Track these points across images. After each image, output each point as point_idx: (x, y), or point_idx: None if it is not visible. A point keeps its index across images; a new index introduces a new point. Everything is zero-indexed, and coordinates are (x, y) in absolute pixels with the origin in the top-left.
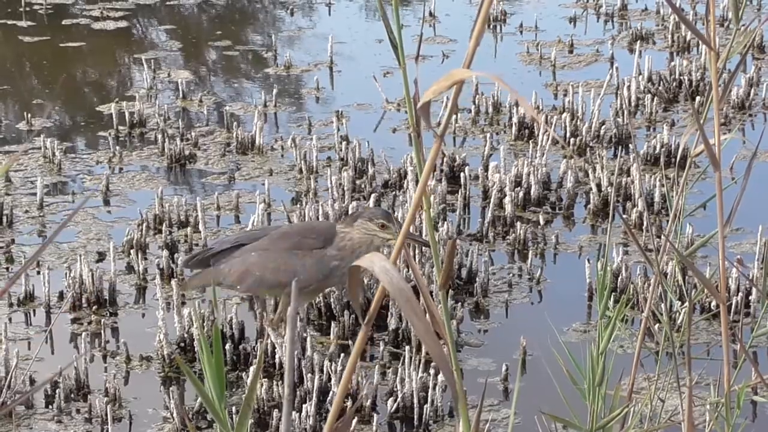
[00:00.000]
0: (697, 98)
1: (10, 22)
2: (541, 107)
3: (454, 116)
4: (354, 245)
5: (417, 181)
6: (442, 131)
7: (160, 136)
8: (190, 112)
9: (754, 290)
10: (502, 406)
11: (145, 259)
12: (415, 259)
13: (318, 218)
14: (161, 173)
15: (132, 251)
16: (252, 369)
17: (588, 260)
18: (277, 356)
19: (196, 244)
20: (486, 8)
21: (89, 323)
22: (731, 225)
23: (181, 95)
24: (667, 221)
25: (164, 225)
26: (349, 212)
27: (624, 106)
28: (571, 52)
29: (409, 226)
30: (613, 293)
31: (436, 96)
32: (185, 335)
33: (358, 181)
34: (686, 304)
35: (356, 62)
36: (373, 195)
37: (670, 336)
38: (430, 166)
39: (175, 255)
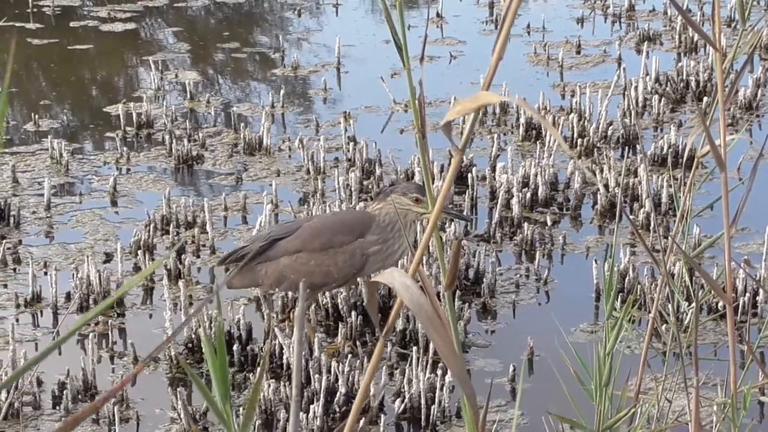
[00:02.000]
0: (705, 99)
1: (18, 24)
2: (548, 108)
3: (461, 117)
4: (391, 219)
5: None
6: (462, 145)
7: (167, 137)
8: (198, 113)
9: (761, 291)
10: (510, 407)
11: (152, 259)
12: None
13: None
14: (168, 174)
15: (139, 252)
16: (258, 369)
17: (595, 261)
18: (284, 357)
19: (203, 245)
20: (508, 25)
21: (96, 324)
22: (737, 225)
23: (188, 96)
24: (675, 222)
25: (171, 226)
26: (376, 193)
27: (631, 107)
28: (578, 52)
29: (444, 201)
30: (621, 294)
31: (459, 116)
32: (192, 336)
33: (365, 182)
34: (693, 304)
35: (364, 63)
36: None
37: (677, 336)
38: (452, 178)
39: (183, 256)
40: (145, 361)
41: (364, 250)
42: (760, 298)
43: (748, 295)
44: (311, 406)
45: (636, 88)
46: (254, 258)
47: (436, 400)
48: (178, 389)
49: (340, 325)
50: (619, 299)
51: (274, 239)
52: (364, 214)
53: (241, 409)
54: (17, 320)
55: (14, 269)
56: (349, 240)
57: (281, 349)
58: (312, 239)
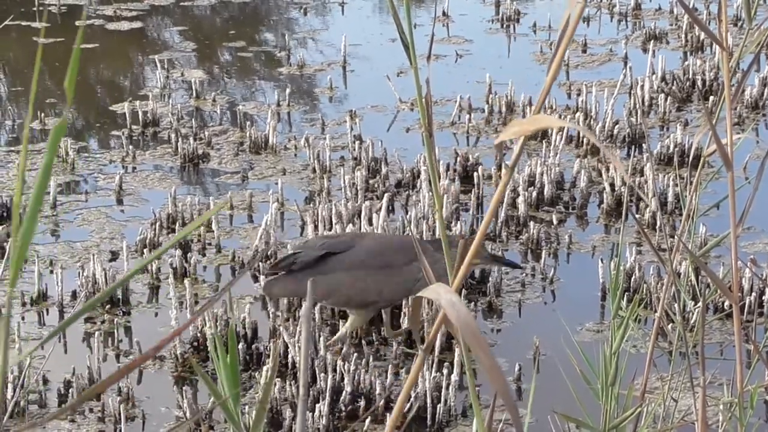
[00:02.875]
0: (711, 98)
1: (24, 23)
2: (554, 107)
3: (468, 116)
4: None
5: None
6: (513, 164)
7: (173, 136)
8: (204, 111)
9: (767, 290)
10: (516, 406)
11: (158, 258)
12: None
13: (332, 217)
14: (174, 172)
15: (145, 250)
16: (265, 369)
17: (601, 260)
18: (289, 356)
19: (209, 244)
20: (563, 50)
21: (102, 323)
22: (743, 224)
23: (194, 95)
24: (681, 221)
25: (177, 224)
26: (438, 237)
27: (637, 106)
28: (584, 51)
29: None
30: (627, 293)
31: (516, 137)
32: (198, 335)
33: (371, 181)
34: (699, 304)
35: (370, 62)
36: (386, 195)
37: (683, 336)
38: (498, 198)
39: (188, 254)
40: (151, 352)
41: (416, 275)
42: (766, 297)
43: (754, 294)
44: (317, 405)
45: (642, 87)
46: (303, 269)
47: (443, 400)
48: (184, 388)
49: (343, 324)
50: (625, 298)
51: (328, 253)
52: (411, 242)
53: (247, 408)
54: (23, 318)
55: (20, 267)
56: (406, 262)
57: (286, 347)
58: (372, 257)
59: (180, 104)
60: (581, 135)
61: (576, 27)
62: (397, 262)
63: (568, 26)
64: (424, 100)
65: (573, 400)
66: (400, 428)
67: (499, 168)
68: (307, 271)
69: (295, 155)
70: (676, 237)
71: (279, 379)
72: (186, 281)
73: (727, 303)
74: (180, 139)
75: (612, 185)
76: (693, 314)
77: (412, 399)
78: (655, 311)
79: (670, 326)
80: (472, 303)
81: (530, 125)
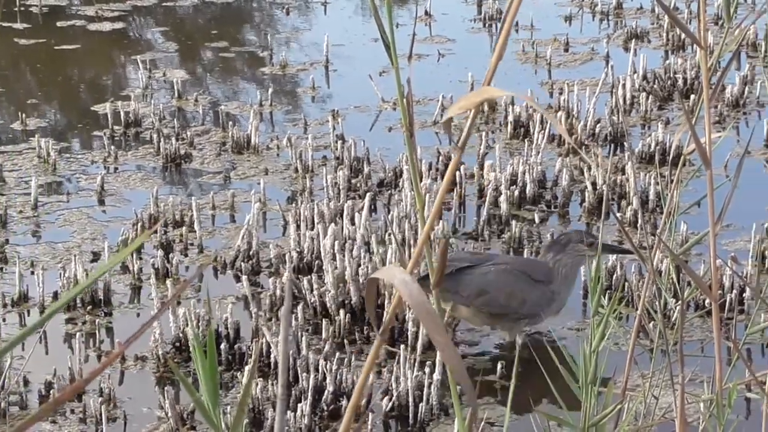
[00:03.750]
0: (692, 97)
1: (5, 24)
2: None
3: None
4: (568, 270)
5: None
6: (462, 142)
7: (155, 136)
8: (186, 111)
9: (747, 288)
10: (498, 405)
11: (140, 258)
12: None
13: (314, 217)
14: (156, 173)
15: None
16: (247, 370)
17: None
18: (271, 356)
19: (191, 244)
20: (508, 25)
21: (84, 323)
22: (722, 222)
23: (176, 95)
24: (662, 219)
25: (159, 225)
26: (549, 244)
27: (619, 105)
28: (566, 50)
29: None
30: (608, 291)
31: (463, 111)
32: (180, 335)
33: (353, 180)
34: (683, 302)
35: (352, 62)
36: (368, 194)
37: (664, 333)
38: (450, 177)
39: (170, 255)
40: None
41: (551, 294)
42: (746, 294)
43: (735, 291)
44: (299, 405)
45: (624, 85)
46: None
47: (424, 398)
48: (166, 388)
49: (326, 324)
50: (606, 296)
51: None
52: (547, 265)
53: (229, 407)
54: (4, 320)
55: (1, 269)
56: (544, 282)
57: (269, 347)
58: (519, 267)
59: (162, 104)
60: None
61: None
62: (537, 277)
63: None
64: (405, 99)
65: (556, 399)
66: (357, 420)
67: (481, 167)
68: (455, 275)
69: (278, 155)
70: (656, 235)
71: (261, 378)
72: (168, 282)
73: (707, 300)
74: (162, 140)
75: (594, 184)
76: (674, 312)
77: (393, 396)
78: (637, 309)
79: (651, 324)
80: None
81: (476, 97)
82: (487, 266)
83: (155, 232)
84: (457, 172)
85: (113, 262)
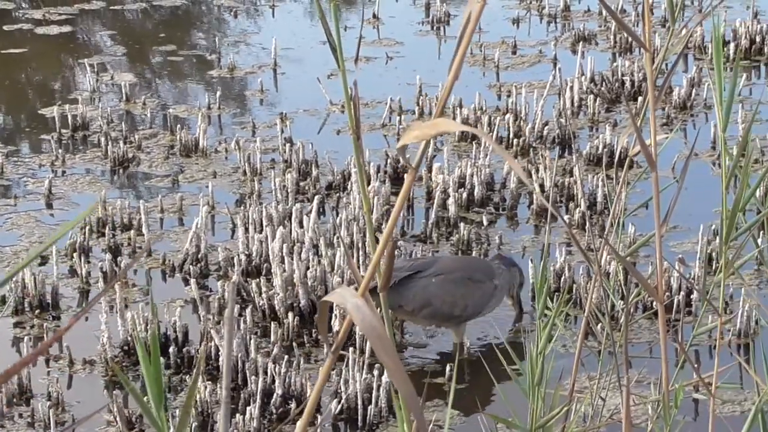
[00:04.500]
0: (639, 99)
1: None
2: (484, 108)
3: (398, 117)
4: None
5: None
6: (417, 163)
7: (103, 139)
8: (134, 114)
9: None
10: (447, 407)
11: (88, 262)
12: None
13: (262, 220)
14: (104, 176)
15: (75, 254)
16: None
17: (531, 260)
18: (220, 359)
19: (140, 247)
20: (464, 47)
21: (32, 327)
22: (669, 224)
23: (124, 98)
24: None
25: (107, 228)
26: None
27: (567, 107)
28: (514, 53)
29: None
30: (557, 293)
31: (416, 141)
32: (128, 338)
33: (301, 183)
34: (625, 303)
35: (301, 64)
36: (316, 197)
37: (610, 335)
38: (403, 198)
39: (119, 258)
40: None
41: (492, 290)
42: (694, 296)
43: (682, 293)
44: (248, 408)
45: (571, 88)
46: (393, 286)
47: (373, 401)
48: (114, 392)
49: (275, 327)
50: (555, 299)
51: (417, 270)
52: (487, 262)
53: (178, 411)
54: None
55: None
56: (485, 280)
57: (217, 350)
58: (458, 273)
59: (110, 108)
60: (511, 136)
61: (476, 26)
62: (478, 277)
63: (469, 24)
64: (351, 102)
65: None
66: (313, 425)
67: (429, 170)
68: (398, 288)
69: (226, 158)
70: (603, 237)
71: (210, 382)
72: (116, 285)
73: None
74: (110, 143)
75: (542, 186)
76: (621, 314)
77: (342, 399)
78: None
79: (599, 326)
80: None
81: (430, 129)
82: (427, 277)
83: (95, 209)
84: (406, 175)
85: (41, 250)
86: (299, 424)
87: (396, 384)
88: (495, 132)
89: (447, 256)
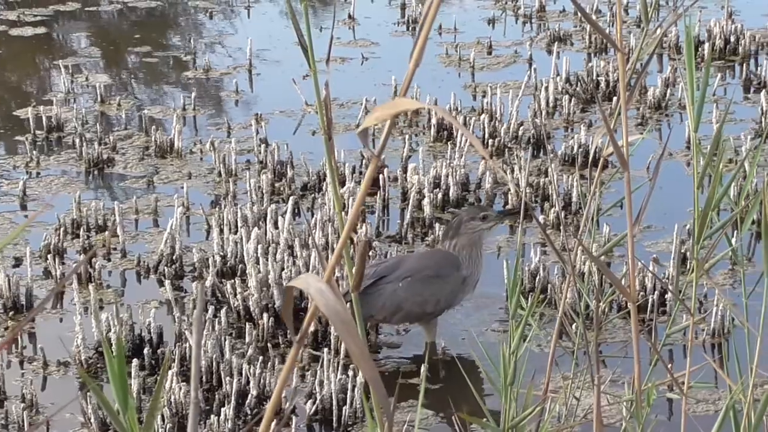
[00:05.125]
0: (614, 99)
1: None
2: (459, 109)
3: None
4: (469, 251)
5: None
6: (379, 151)
7: (78, 141)
8: (109, 116)
9: (668, 289)
10: (421, 407)
11: (63, 263)
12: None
13: (237, 221)
14: (79, 177)
15: (49, 256)
16: (162, 373)
17: (506, 260)
18: None
19: (114, 249)
20: (425, 33)
21: (6, 329)
22: (642, 224)
23: (99, 99)
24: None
25: (82, 230)
26: (444, 231)
27: (542, 107)
28: (489, 53)
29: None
30: (531, 293)
31: (377, 122)
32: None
33: (277, 184)
34: (598, 303)
35: (276, 65)
36: (291, 198)
37: (584, 335)
38: (367, 184)
39: (93, 259)
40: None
41: (460, 280)
42: (668, 296)
43: (656, 293)
44: (222, 409)
45: (547, 88)
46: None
47: (348, 401)
48: (89, 393)
49: (249, 328)
50: (528, 298)
51: (381, 276)
52: (450, 253)
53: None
54: None
55: None
56: (452, 272)
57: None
58: (421, 269)
59: (85, 109)
60: (486, 135)
61: (437, 11)
62: (445, 272)
63: (430, 10)
64: (323, 103)
65: (480, 400)
66: (280, 422)
67: (405, 171)
68: (365, 297)
69: (201, 159)
70: (577, 237)
71: (185, 383)
72: (90, 287)
73: None
74: (85, 144)
75: (517, 186)
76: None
77: (317, 400)
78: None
79: (573, 326)
80: None
81: (390, 109)
82: (393, 282)
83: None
84: (381, 176)
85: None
86: (264, 418)
87: (361, 369)
88: (471, 131)
89: (409, 255)
